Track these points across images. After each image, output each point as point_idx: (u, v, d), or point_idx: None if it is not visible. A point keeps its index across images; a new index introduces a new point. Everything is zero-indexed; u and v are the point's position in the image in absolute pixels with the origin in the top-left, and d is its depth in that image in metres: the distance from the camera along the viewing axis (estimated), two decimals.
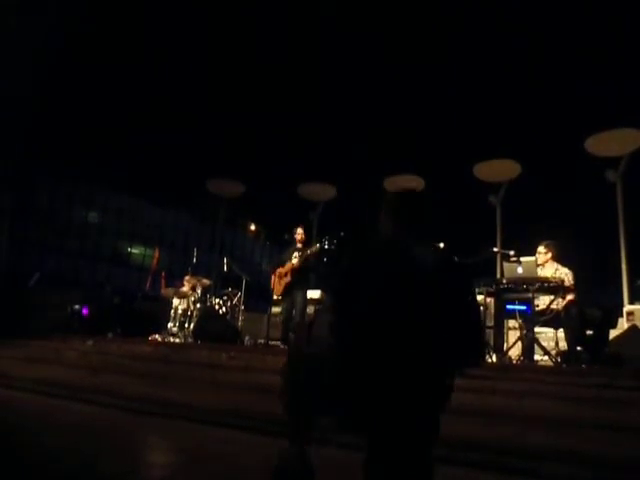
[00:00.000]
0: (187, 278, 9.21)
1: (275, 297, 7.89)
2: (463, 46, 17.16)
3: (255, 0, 17.85)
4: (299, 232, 7.85)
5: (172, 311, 8.81)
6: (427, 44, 17.23)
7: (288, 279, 7.56)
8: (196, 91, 20.58)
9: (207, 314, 8.34)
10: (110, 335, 8.91)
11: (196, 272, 9.63)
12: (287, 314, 7.59)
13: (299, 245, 7.78)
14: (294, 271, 7.54)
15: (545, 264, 6.46)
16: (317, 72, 18.56)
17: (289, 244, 8.01)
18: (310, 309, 8.35)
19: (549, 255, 6.48)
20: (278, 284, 7.68)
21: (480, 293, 6.68)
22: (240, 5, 17.79)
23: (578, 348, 5.73)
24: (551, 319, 6.06)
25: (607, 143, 9.61)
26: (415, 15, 17.11)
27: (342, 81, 18.82)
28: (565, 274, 6.29)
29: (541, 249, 6.52)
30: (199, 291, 9.06)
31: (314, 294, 8.75)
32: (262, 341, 8.20)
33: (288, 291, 7.59)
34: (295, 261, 7.56)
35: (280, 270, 7.69)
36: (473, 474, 3.11)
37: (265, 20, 18.17)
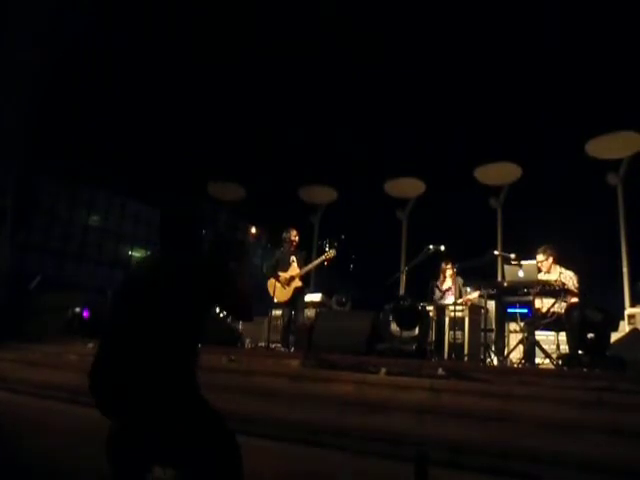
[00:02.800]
0: None
1: (277, 301, 7.82)
2: (464, 49, 17.20)
3: (256, 2, 17.89)
4: (293, 234, 7.74)
5: None
6: (428, 48, 17.26)
7: (298, 284, 7.46)
8: (197, 94, 20.63)
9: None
10: None
11: None
12: (288, 317, 7.58)
13: (293, 248, 7.65)
14: (303, 277, 7.49)
15: (549, 270, 6.41)
16: (319, 76, 18.60)
17: (279, 247, 7.89)
18: (311, 312, 8.34)
19: (550, 260, 6.43)
20: (282, 289, 7.53)
21: (481, 296, 6.70)
22: (241, 7, 17.84)
23: (579, 351, 5.72)
24: (552, 322, 6.05)
25: (608, 146, 9.61)
26: (415, 17, 17.14)
27: (343, 84, 18.86)
28: (570, 277, 6.27)
29: (540, 257, 6.46)
30: None
31: (315, 297, 8.76)
32: (263, 344, 8.19)
33: (296, 296, 7.51)
34: (295, 265, 7.50)
35: (284, 276, 7.53)
36: (473, 478, 3.11)
37: (266, 23, 18.22)
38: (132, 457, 2.12)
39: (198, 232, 2.44)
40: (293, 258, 7.53)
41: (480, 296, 6.80)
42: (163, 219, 2.40)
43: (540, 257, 6.45)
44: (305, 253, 7.84)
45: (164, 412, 2.03)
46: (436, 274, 7.64)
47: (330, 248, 7.43)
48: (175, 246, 2.35)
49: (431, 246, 7.17)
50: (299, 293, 7.53)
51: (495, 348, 6.60)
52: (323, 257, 7.47)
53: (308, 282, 7.93)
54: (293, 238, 7.69)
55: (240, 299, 2.37)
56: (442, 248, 7.16)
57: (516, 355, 6.20)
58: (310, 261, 7.67)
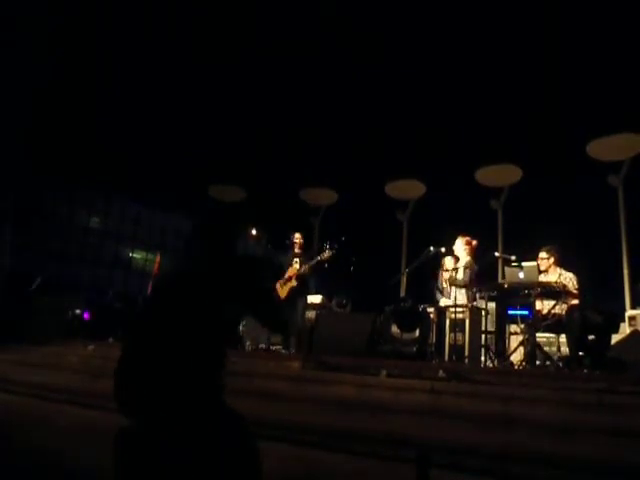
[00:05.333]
0: None
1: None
2: (465, 51, 17.20)
3: (255, 4, 17.90)
4: (297, 237, 7.92)
5: None
6: (428, 48, 17.26)
7: (293, 284, 7.58)
8: (198, 96, 20.63)
9: None
10: (111, 340, 8.90)
11: None
12: (289, 319, 7.60)
13: (297, 250, 7.84)
14: (300, 277, 7.56)
15: (548, 270, 6.41)
16: (319, 76, 18.60)
17: (287, 249, 8.05)
18: (312, 314, 8.36)
19: (552, 260, 6.43)
20: (280, 289, 7.69)
21: (482, 298, 6.69)
22: (242, 7, 17.85)
23: (580, 353, 5.72)
24: (553, 324, 6.04)
25: (609, 147, 9.61)
26: (415, 17, 17.15)
27: (344, 85, 18.86)
28: (569, 279, 6.26)
29: (543, 255, 6.46)
30: None
31: (315, 299, 8.76)
32: (263, 346, 8.19)
33: (291, 296, 7.62)
34: (297, 266, 7.60)
35: (285, 275, 7.70)
36: None
37: (266, 24, 18.23)
38: (141, 460, 2.09)
39: (232, 243, 2.47)
40: (296, 260, 7.64)
41: (480, 298, 6.79)
42: (200, 228, 2.47)
43: (543, 255, 6.44)
44: (311, 254, 7.94)
45: (182, 413, 2.04)
46: (437, 275, 7.61)
47: (330, 249, 7.45)
48: (206, 254, 2.40)
49: (432, 248, 7.16)
50: (295, 293, 7.59)
51: (496, 350, 6.59)
52: (318, 258, 7.52)
53: (308, 285, 7.94)
54: (295, 241, 7.90)
55: (273, 309, 2.46)
56: (442, 250, 7.15)
57: (517, 357, 6.19)
58: (321, 258, 7.71)
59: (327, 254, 7.47)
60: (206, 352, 2.18)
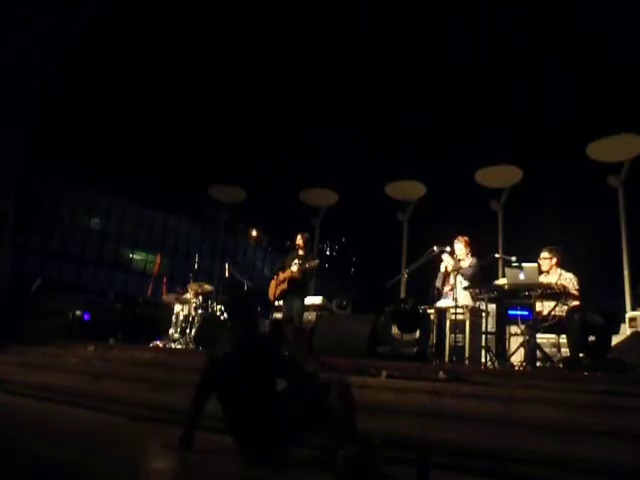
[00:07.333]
0: (190, 284, 9.21)
1: (275, 302, 7.97)
2: (464, 52, 17.24)
3: (253, 6, 17.95)
4: (297, 239, 7.95)
5: (173, 317, 8.79)
6: (429, 51, 17.30)
7: (285, 286, 7.64)
8: (199, 98, 20.68)
9: (208, 320, 8.34)
10: (111, 341, 8.88)
11: (198, 278, 9.63)
12: (288, 321, 7.62)
13: (300, 252, 7.87)
14: (292, 280, 7.60)
15: (549, 270, 6.39)
16: (320, 79, 18.65)
17: (291, 250, 8.09)
18: (312, 315, 8.36)
19: (554, 261, 6.40)
20: (275, 288, 7.75)
21: (482, 299, 6.68)
22: (240, 11, 17.89)
23: (580, 354, 5.70)
24: (554, 325, 6.03)
25: (609, 148, 9.61)
26: (415, 20, 17.20)
27: (344, 88, 18.90)
28: (570, 280, 6.24)
29: (545, 255, 6.43)
30: (201, 297, 9.05)
31: (315, 300, 8.77)
32: None
33: (283, 297, 7.69)
34: (294, 268, 7.62)
35: (280, 276, 7.77)
36: None
37: (266, 27, 18.27)
38: None
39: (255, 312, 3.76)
40: (296, 261, 7.67)
41: (479, 299, 6.76)
42: (237, 303, 3.79)
43: (545, 254, 6.41)
44: (312, 257, 7.96)
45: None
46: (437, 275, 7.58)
47: (317, 258, 7.58)
48: (245, 322, 3.63)
49: (435, 247, 7.12)
50: (287, 294, 7.65)
51: (496, 351, 6.57)
52: (306, 266, 7.58)
53: (305, 287, 7.97)
54: (297, 242, 7.92)
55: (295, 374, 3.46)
56: (447, 249, 7.13)
57: (517, 358, 6.19)
58: (308, 266, 7.74)
59: (313, 264, 7.60)
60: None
